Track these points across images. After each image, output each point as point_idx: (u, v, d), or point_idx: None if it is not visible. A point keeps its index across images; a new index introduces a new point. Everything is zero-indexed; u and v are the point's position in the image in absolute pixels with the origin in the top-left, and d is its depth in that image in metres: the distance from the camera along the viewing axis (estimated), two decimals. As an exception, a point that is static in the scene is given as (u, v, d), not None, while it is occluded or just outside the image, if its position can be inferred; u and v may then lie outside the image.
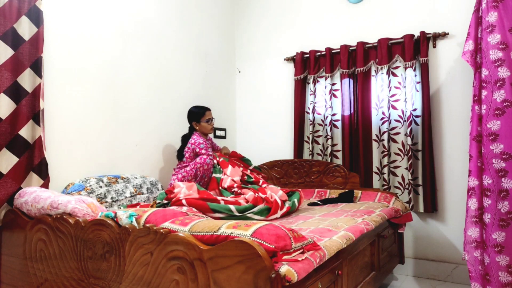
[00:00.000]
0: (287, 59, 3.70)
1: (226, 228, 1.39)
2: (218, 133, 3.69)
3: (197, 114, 2.89)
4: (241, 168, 2.78)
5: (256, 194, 2.37)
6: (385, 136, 3.10)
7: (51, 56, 2.29)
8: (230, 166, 2.72)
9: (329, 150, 3.33)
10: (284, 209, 2.34)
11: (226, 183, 2.59)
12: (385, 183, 3.09)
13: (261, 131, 3.82)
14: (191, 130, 2.92)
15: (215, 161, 2.74)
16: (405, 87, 3.03)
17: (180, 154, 2.85)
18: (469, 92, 2.83)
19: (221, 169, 2.71)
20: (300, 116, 3.50)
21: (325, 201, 2.82)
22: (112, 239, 1.57)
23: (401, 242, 2.88)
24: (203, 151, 2.73)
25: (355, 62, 3.28)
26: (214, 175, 2.69)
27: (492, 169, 2.24)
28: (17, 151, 2.04)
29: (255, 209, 2.20)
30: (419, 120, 3.00)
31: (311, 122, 3.42)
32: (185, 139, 2.88)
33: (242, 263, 1.25)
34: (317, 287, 1.49)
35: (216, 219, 1.85)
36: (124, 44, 2.77)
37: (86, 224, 1.66)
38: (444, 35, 2.97)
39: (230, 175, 2.65)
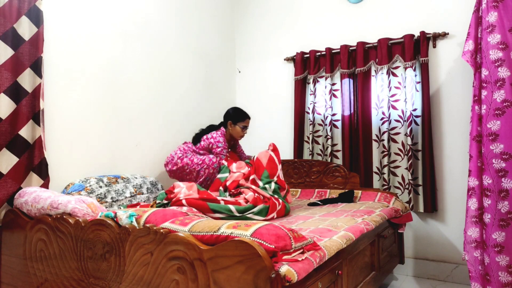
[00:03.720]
0: (287, 59, 3.70)
1: (226, 228, 1.39)
2: (218, 133, 3.69)
3: (238, 116, 2.85)
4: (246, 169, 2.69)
5: (256, 194, 2.37)
6: (385, 136, 3.09)
7: (51, 56, 2.29)
8: (233, 163, 2.70)
9: (329, 150, 3.33)
10: (279, 206, 2.34)
11: (232, 178, 2.56)
12: (385, 183, 3.09)
13: (261, 131, 3.82)
14: (221, 125, 2.88)
15: (224, 162, 2.70)
16: (405, 87, 3.03)
17: (197, 138, 2.80)
18: (469, 92, 2.83)
19: (228, 168, 2.67)
20: (300, 116, 3.50)
21: (325, 201, 2.82)
22: (112, 239, 1.57)
23: (401, 242, 2.88)
24: (218, 150, 2.69)
25: (355, 62, 3.27)
26: (219, 175, 2.65)
27: (492, 169, 2.24)
28: (17, 151, 2.04)
29: (255, 209, 2.21)
30: (419, 120, 3.00)
31: (311, 122, 3.42)
32: (211, 128, 2.82)
33: (242, 263, 1.25)
34: (317, 287, 1.49)
35: (216, 219, 1.85)
36: (124, 44, 2.77)
37: (86, 224, 1.66)
38: (444, 35, 2.97)
39: (237, 170, 2.61)
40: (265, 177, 2.55)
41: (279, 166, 2.65)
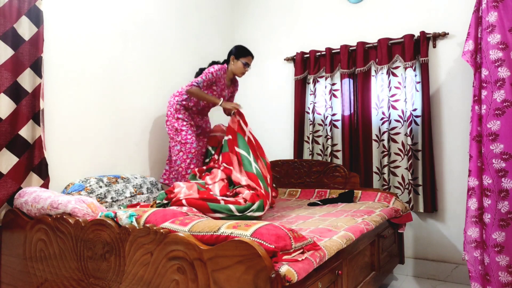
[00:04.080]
0: (287, 59, 3.70)
1: (226, 228, 1.39)
2: (218, 133, 3.69)
3: (241, 51, 2.80)
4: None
5: (251, 191, 2.36)
6: (385, 136, 3.09)
7: (51, 56, 2.29)
8: (207, 176, 2.52)
9: (329, 150, 3.33)
10: (270, 199, 2.37)
11: (218, 188, 2.46)
12: (385, 183, 3.09)
13: (261, 131, 3.81)
14: (223, 63, 2.87)
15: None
16: (405, 87, 3.03)
17: (200, 71, 2.85)
18: (469, 92, 2.83)
19: (197, 178, 2.58)
20: (300, 116, 3.50)
21: (325, 201, 2.82)
22: (112, 239, 1.57)
23: (401, 242, 2.88)
24: (202, 77, 2.67)
25: (355, 62, 3.27)
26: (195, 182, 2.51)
27: (492, 169, 2.24)
28: (17, 151, 2.04)
29: (254, 207, 2.20)
30: (419, 120, 3.00)
31: (311, 122, 3.42)
32: (214, 63, 2.86)
33: (242, 263, 1.25)
34: (317, 287, 1.49)
35: (216, 219, 1.85)
36: (124, 44, 2.77)
37: (86, 224, 1.66)
38: (444, 35, 2.97)
39: (212, 182, 2.47)
40: (242, 144, 2.58)
41: (247, 128, 2.70)
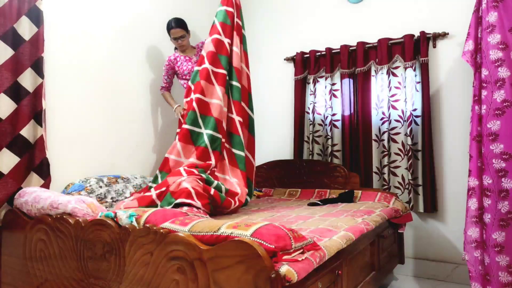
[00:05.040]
0: (287, 59, 3.70)
1: (226, 228, 1.39)
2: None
3: (167, 29, 2.86)
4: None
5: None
6: (385, 136, 3.09)
7: (51, 56, 2.29)
8: (168, 178, 2.32)
9: (329, 150, 3.33)
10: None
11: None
12: (385, 183, 3.09)
13: (261, 131, 3.81)
14: None
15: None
16: (405, 87, 3.03)
17: None
18: (469, 92, 2.83)
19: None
20: (300, 116, 3.50)
21: (325, 201, 2.82)
22: (112, 239, 1.57)
23: (401, 242, 2.88)
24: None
25: (355, 62, 3.27)
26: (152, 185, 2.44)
27: (492, 169, 2.24)
28: (18, 151, 2.05)
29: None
30: (419, 120, 3.00)
31: (311, 122, 3.42)
32: None
33: (242, 263, 1.25)
34: (317, 287, 1.49)
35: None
36: (124, 44, 2.77)
37: (86, 224, 1.66)
38: (444, 35, 2.97)
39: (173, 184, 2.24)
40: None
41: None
